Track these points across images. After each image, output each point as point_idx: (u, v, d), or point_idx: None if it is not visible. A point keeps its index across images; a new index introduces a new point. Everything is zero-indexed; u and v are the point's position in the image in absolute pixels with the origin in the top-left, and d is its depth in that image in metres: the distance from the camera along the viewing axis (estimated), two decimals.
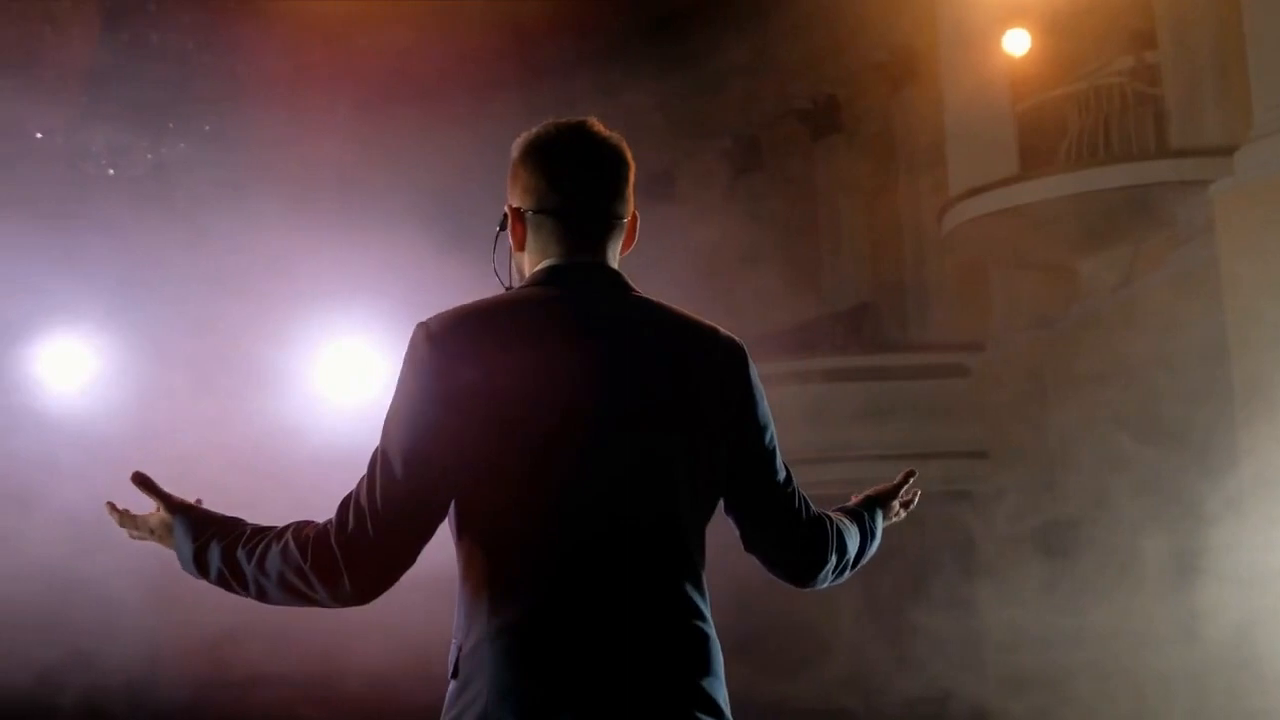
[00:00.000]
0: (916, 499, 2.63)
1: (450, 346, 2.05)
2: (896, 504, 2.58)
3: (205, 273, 5.79)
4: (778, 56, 11.01)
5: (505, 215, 2.25)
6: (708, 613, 2.12)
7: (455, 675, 2.04)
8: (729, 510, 2.24)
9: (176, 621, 5.68)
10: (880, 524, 2.51)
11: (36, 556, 5.22)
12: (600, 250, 2.21)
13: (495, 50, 6.10)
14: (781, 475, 2.27)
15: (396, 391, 2.07)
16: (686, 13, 10.75)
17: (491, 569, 2.04)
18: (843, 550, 2.35)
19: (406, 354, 2.07)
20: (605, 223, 2.21)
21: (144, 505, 2.21)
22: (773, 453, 2.25)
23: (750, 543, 2.27)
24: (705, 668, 2.08)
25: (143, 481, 2.20)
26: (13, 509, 5.38)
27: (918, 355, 9.90)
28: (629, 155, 2.25)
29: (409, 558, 2.05)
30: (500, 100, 5.96)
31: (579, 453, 2.05)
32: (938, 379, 9.49)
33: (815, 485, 7.52)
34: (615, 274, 2.22)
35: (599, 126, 2.23)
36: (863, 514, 2.47)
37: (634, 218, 2.28)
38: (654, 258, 6.47)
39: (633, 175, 2.26)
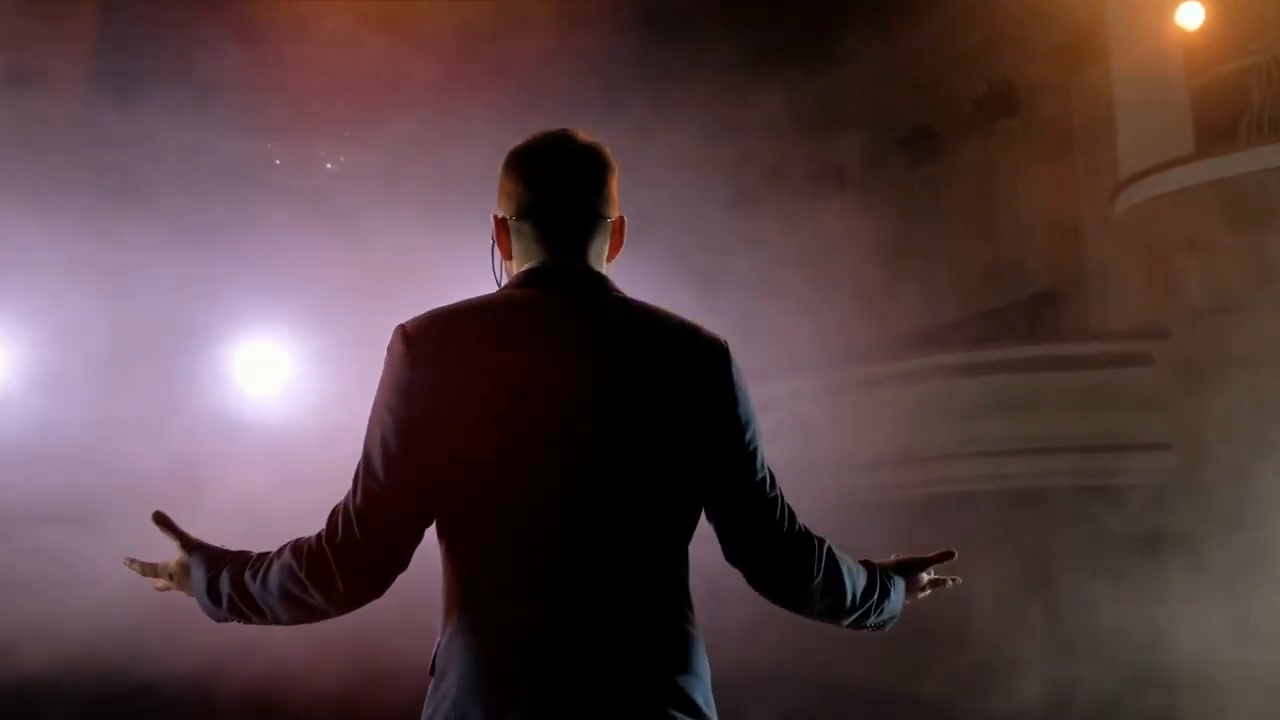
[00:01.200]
0: (951, 584, 2.53)
1: (425, 348, 2.08)
2: (925, 577, 2.49)
3: (372, 276, 5.94)
4: (953, 43, 10.81)
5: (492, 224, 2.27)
6: (688, 611, 2.11)
7: (433, 670, 2.08)
8: (709, 516, 2.20)
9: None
10: (899, 587, 2.40)
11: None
12: (580, 252, 2.22)
13: (634, 51, 6.13)
14: (761, 478, 2.22)
15: (376, 394, 2.11)
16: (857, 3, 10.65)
17: (464, 567, 2.08)
18: (835, 577, 2.26)
19: (385, 356, 2.11)
20: (584, 225, 2.23)
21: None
22: (752, 455, 2.21)
23: (730, 552, 2.22)
24: (681, 666, 2.08)
25: (162, 520, 2.29)
26: (191, 504, 5.68)
27: (1100, 344, 9.57)
28: (610, 159, 2.27)
29: (398, 558, 2.08)
30: (638, 101, 5.98)
31: (549, 453, 2.06)
32: (1120, 367, 9.15)
33: (1001, 479, 7.34)
34: (595, 275, 2.23)
35: (579, 134, 2.26)
36: (876, 566, 2.38)
37: (620, 220, 2.29)
38: (828, 249, 6.39)
39: (614, 179, 2.27)
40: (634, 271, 5.91)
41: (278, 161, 6.66)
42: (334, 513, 2.11)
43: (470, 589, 2.07)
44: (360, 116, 6.47)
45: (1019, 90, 10.97)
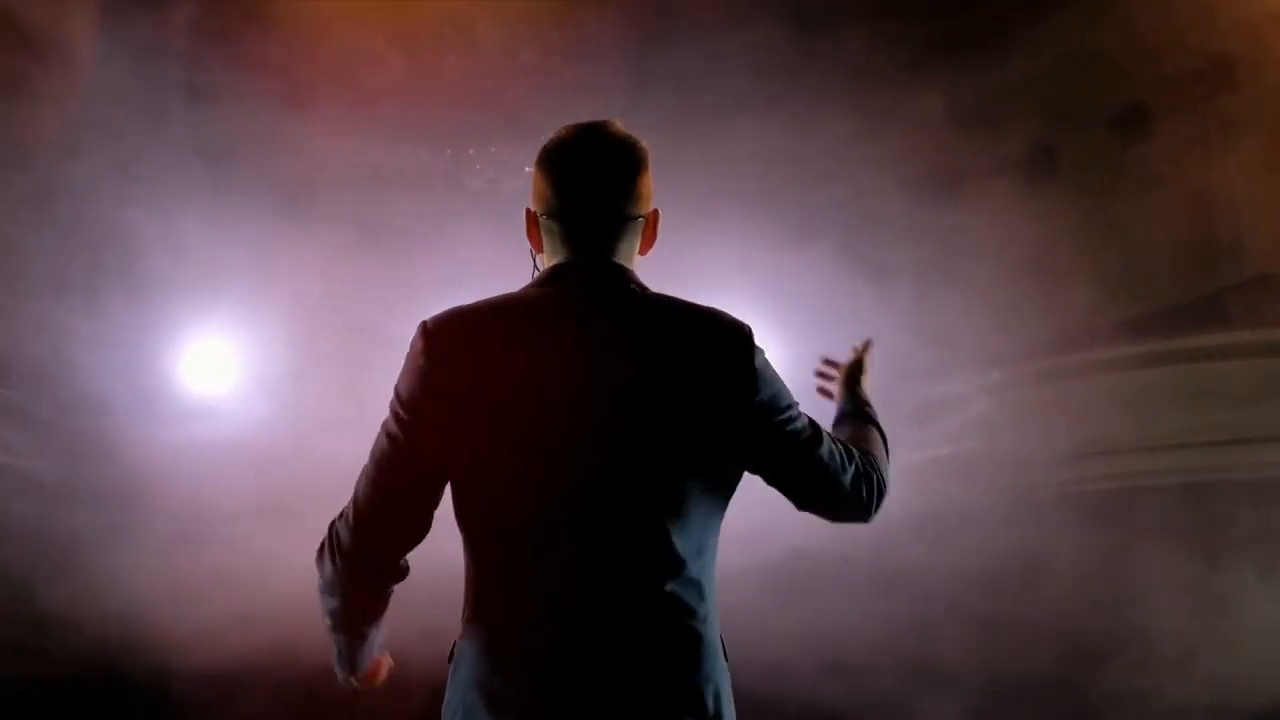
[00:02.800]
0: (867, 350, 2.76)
1: (443, 345, 2.11)
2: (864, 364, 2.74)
3: None
4: (1165, 16, 10.41)
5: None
6: (703, 612, 2.12)
7: (451, 660, 2.17)
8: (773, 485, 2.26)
9: None
10: (869, 400, 2.67)
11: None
12: (607, 249, 2.22)
13: (795, 46, 6.08)
14: (807, 454, 2.24)
15: (395, 386, 2.15)
16: None
17: (479, 562, 2.13)
18: (882, 469, 2.41)
19: (407, 351, 2.15)
20: (610, 223, 2.22)
21: None
22: (791, 436, 2.21)
23: (800, 506, 2.32)
24: (692, 667, 2.07)
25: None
26: None
27: None
28: (641, 154, 2.25)
29: (399, 543, 2.15)
30: (800, 97, 5.92)
31: (561, 450, 2.07)
32: None
33: (1184, 472, 7.08)
34: (620, 271, 2.22)
35: (613, 126, 2.24)
36: (869, 419, 2.62)
37: (654, 215, 2.28)
38: (1040, 238, 6.25)
39: (646, 174, 2.25)
40: (805, 266, 5.87)
41: (478, 167, 6.76)
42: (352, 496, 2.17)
43: (484, 585, 2.11)
44: (532, 119, 6.55)
45: (1237, 62, 10.49)
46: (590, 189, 2.22)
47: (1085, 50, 10.73)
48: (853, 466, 2.33)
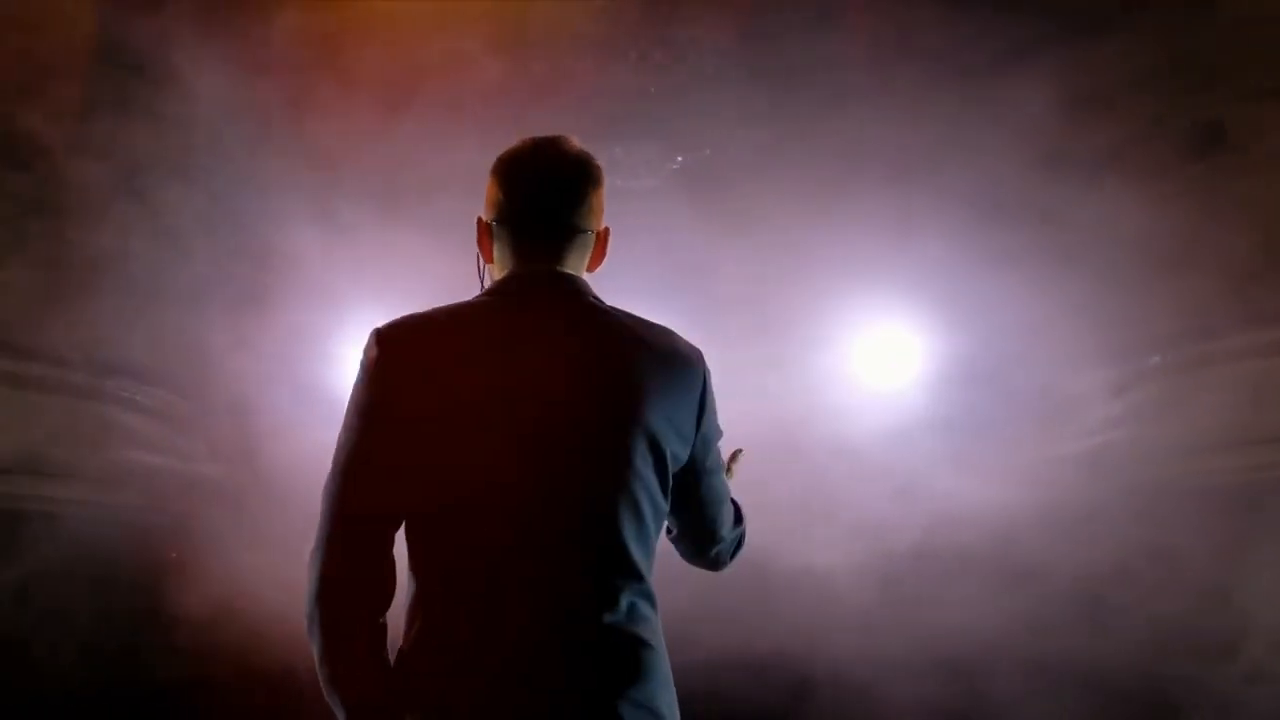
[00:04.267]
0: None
1: (394, 353, 2.11)
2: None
3: (752, 271, 6.01)
4: None
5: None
6: (650, 617, 2.13)
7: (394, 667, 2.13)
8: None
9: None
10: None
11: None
12: (557, 260, 2.24)
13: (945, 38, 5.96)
14: (713, 493, 2.29)
15: (350, 395, 2.14)
16: None
17: (430, 574, 2.10)
18: (744, 530, 2.47)
19: (360, 360, 2.16)
20: (562, 233, 2.24)
21: None
22: (716, 464, 2.28)
23: (680, 534, 2.38)
24: (634, 674, 2.07)
25: None
26: None
27: None
28: (595, 171, 2.29)
29: (365, 554, 2.06)
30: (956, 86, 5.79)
31: (516, 460, 2.07)
32: None
33: None
34: (571, 281, 2.23)
35: (569, 142, 2.28)
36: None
37: (604, 233, 2.32)
38: (1174, 224, 6.13)
39: (599, 191, 2.29)
40: (928, 256, 5.78)
41: (679, 159, 6.75)
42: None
43: (432, 595, 2.09)
44: (690, 114, 6.55)
45: None
46: (543, 199, 2.25)
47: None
48: (735, 515, 2.44)
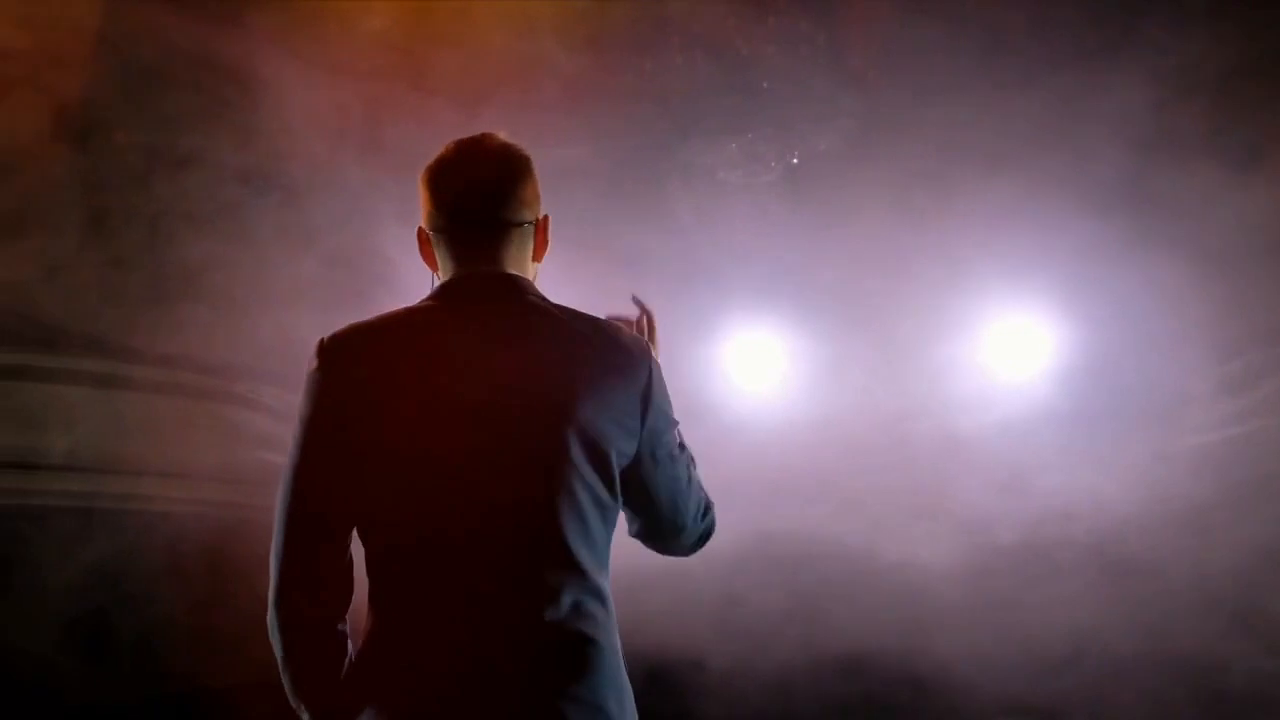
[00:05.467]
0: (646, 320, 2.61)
1: (336, 362, 2.14)
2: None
3: (860, 264, 5.96)
4: None
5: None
6: (596, 614, 2.12)
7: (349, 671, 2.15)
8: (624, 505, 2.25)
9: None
10: None
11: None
12: (494, 259, 2.23)
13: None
14: (676, 481, 2.26)
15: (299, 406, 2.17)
16: None
17: (379, 579, 2.13)
18: (713, 512, 2.45)
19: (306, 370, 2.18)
20: (496, 231, 2.23)
21: None
22: (670, 457, 2.24)
23: (639, 529, 2.34)
24: (578, 671, 2.07)
25: None
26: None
27: None
28: (521, 160, 2.27)
29: (317, 559, 2.11)
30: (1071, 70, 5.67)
31: (456, 464, 2.08)
32: None
33: None
34: (510, 281, 2.23)
35: (491, 138, 2.27)
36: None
37: (543, 220, 2.30)
38: None
39: (527, 180, 2.27)
40: (1088, 238, 5.64)
41: (796, 158, 6.72)
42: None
43: (383, 599, 2.11)
44: (784, 112, 6.52)
45: None
46: (469, 199, 2.24)
47: None
48: (701, 503, 2.37)
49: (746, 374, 6.49)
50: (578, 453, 2.11)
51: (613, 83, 5.64)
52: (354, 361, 2.14)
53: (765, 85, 6.45)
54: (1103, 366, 5.98)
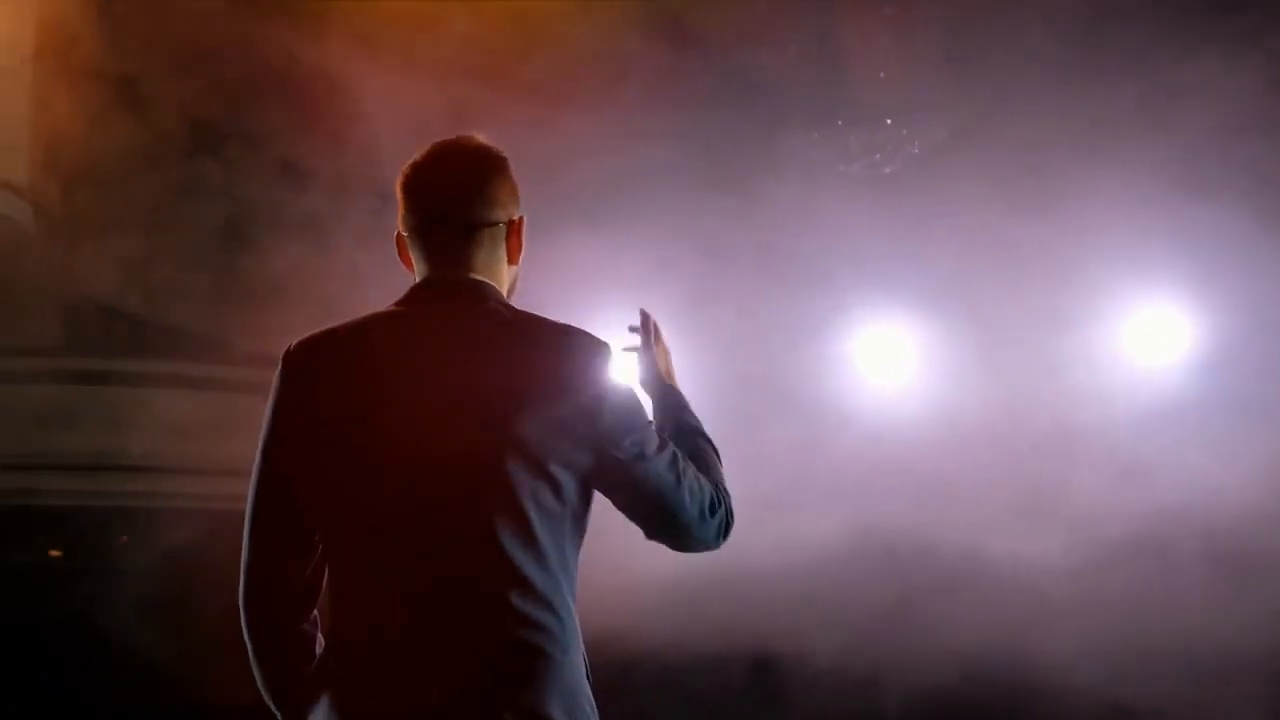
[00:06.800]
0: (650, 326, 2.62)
1: (299, 367, 2.15)
2: (655, 352, 2.60)
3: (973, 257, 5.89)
4: None
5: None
6: (546, 624, 2.09)
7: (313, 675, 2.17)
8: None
9: None
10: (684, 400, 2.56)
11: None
12: (463, 262, 2.21)
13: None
14: (654, 481, 2.20)
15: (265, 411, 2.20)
16: None
17: (331, 580, 2.16)
18: (729, 500, 2.37)
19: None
20: (464, 234, 2.21)
21: None
22: (643, 459, 2.19)
23: (650, 535, 2.29)
24: (525, 683, 2.05)
25: None
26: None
27: None
28: (493, 160, 2.25)
29: (283, 563, 2.15)
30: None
31: (410, 470, 2.08)
32: None
33: None
34: (471, 286, 2.21)
35: (467, 140, 2.25)
36: (684, 420, 2.50)
37: (517, 221, 2.27)
38: None
39: (500, 181, 2.25)
40: (1207, 225, 5.49)
41: (916, 148, 6.67)
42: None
43: (334, 599, 2.14)
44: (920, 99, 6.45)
45: None
46: (438, 200, 2.23)
47: None
48: (705, 497, 2.29)
49: (863, 369, 6.44)
50: (518, 461, 2.10)
51: (703, 78, 5.63)
52: (312, 370, 2.17)
53: (881, 75, 6.40)
54: (1223, 358, 5.81)
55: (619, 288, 6.10)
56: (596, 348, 2.20)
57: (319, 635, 2.22)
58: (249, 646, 2.20)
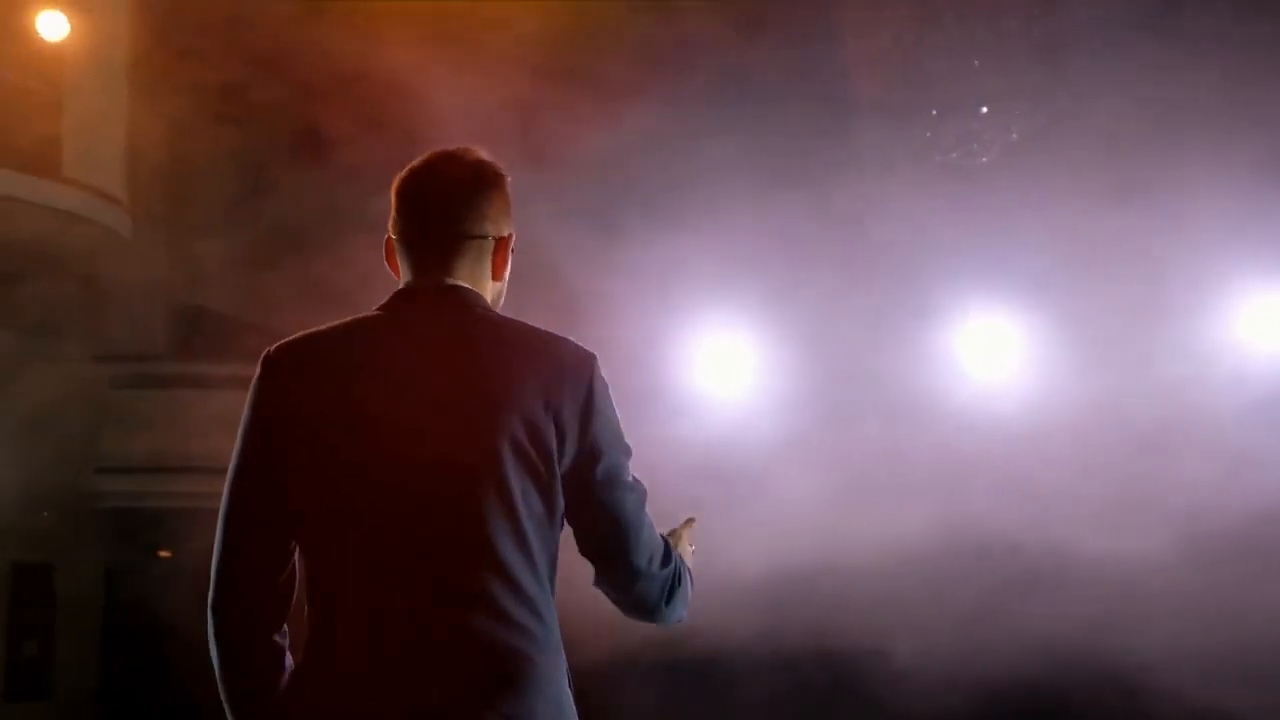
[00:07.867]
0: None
1: (279, 371, 2.13)
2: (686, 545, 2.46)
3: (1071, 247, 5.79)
4: None
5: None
6: (532, 630, 2.07)
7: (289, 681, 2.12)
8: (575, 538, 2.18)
9: None
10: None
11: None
12: (447, 271, 2.19)
13: None
14: (612, 510, 2.16)
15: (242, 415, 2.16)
16: None
17: (308, 585, 2.11)
18: (679, 602, 2.30)
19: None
20: (451, 244, 2.19)
21: None
22: (606, 485, 2.15)
23: (587, 554, 2.21)
24: (507, 687, 2.03)
25: None
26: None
27: None
28: (489, 176, 2.22)
29: (254, 570, 2.11)
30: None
31: (374, 478, 2.06)
32: None
33: None
34: (461, 294, 2.19)
35: (467, 153, 2.22)
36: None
37: (506, 238, 2.23)
38: None
39: (494, 196, 2.22)
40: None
41: (1015, 135, 6.59)
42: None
43: (312, 604, 2.09)
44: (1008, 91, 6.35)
45: None
46: (430, 209, 2.22)
47: None
48: (658, 551, 2.25)
49: (955, 365, 6.36)
50: (509, 467, 2.08)
51: (774, 71, 5.59)
52: (292, 374, 2.15)
53: (976, 63, 6.30)
54: None
55: (696, 288, 6.14)
56: (586, 358, 2.19)
57: (288, 651, 2.18)
58: (215, 655, 2.14)
